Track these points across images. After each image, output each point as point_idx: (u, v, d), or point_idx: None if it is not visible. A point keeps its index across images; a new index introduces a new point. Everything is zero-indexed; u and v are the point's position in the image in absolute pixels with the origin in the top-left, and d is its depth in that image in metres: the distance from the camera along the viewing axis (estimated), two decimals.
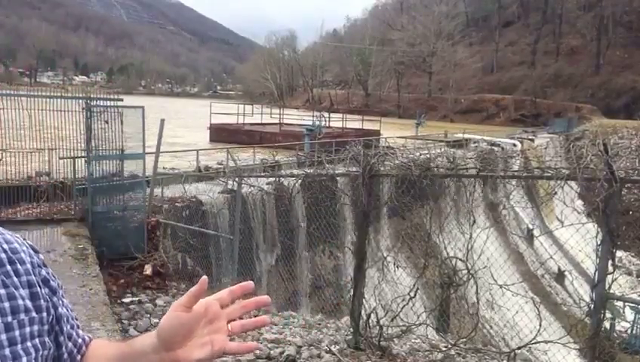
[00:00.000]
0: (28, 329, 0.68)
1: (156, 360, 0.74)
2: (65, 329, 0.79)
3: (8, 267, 0.70)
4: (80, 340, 0.84)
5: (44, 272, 0.76)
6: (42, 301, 0.72)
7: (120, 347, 0.83)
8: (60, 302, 0.79)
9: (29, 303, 0.70)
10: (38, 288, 0.72)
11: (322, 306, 10.70)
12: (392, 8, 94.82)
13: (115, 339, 4.62)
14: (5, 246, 0.71)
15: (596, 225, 3.81)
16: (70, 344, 0.80)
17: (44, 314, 0.72)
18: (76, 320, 0.84)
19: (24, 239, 0.78)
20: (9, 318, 0.66)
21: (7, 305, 0.67)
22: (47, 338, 0.72)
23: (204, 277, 0.76)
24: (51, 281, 0.77)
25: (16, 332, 0.66)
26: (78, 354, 0.83)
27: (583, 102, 56.35)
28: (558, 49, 68.71)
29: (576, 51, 67.17)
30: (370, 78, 79.86)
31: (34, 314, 0.70)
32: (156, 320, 5.63)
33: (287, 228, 11.31)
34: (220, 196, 10.34)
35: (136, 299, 6.39)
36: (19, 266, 0.71)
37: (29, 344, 0.67)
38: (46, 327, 0.72)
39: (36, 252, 0.77)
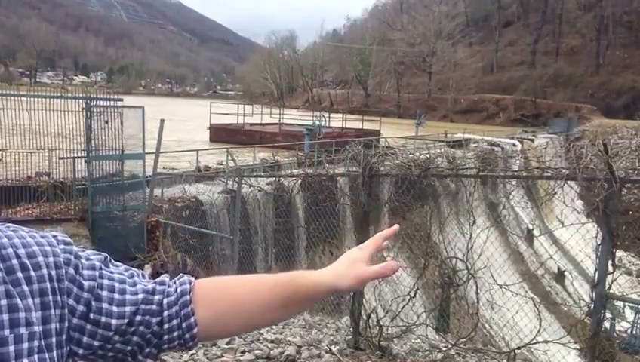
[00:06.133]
0: (26, 345, 0.62)
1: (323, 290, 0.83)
2: (115, 298, 0.73)
3: (19, 274, 0.64)
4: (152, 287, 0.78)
5: (71, 271, 0.70)
6: (54, 310, 0.67)
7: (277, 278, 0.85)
8: (98, 283, 0.73)
9: (34, 315, 0.64)
10: (52, 296, 0.67)
11: (322, 306, 10.69)
12: (392, 8, 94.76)
13: None
14: (22, 251, 0.66)
15: (596, 225, 3.81)
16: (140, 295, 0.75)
17: (54, 325, 0.66)
18: (140, 277, 0.79)
19: (55, 235, 0.73)
20: (6, 332, 0.61)
21: (5, 317, 0.62)
22: (48, 355, 0.65)
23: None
24: (85, 270, 0.72)
25: (11, 348, 0.61)
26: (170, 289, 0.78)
27: (582, 102, 56.33)
28: (558, 49, 68.68)
29: (576, 51, 67.14)
30: (370, 78, 79.83)
31: (36, 327, 0.64)
32: None
33: (287, 228, 11.31)
34: (219, 196, 10.34)
35: None
36: (32, 273, 0.66)
37: (25, 361, 0.61)
38: (54, 340, 0.66)
39: (67, 244, 0.73)
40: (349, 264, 0.83)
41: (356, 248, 0.87)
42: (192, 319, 0.77)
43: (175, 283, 0.80)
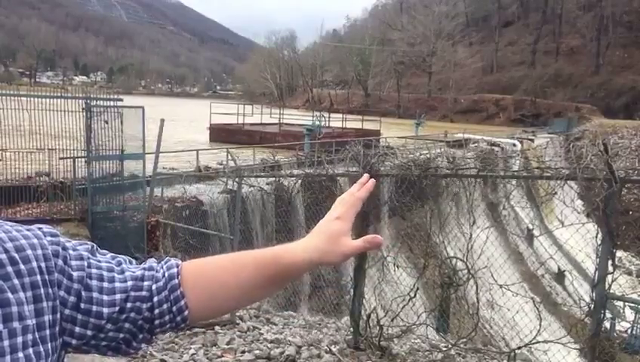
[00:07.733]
0: (20, 339, 0.62)
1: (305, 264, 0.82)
2: (104, 286, 0.73)
3: (9, 268, 0.64)
4: (139, 272, 0.78)
5: (60, 262, 0.70)
6: (46, 302, 0.67)
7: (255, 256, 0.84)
8: (87, 273, 0.73)
9: (26, 308, 0.64)
10: (43, 289, 0.67)
11: (322, 306, 10.69)
12: (392, 8, 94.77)
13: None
14: (9, 244, 0.66)
15: (596, 225, 3.81)
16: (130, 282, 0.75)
17: (47, 318, 0.67)
18: (129, 263, 0.79)
19: (40, 228, 0.72)
20: None
21: None
22: (43, 347, 0.65)
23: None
24: (73, 261, 0.72)
25: (5, 343, 0.61)
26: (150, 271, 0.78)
27: (582, 102, 56.31)
28: (557, 49, 68.69)
29: (576, 51, 67.16)
30: (370, 78, 79.85)
31: (29, 321, 0.64)
32: None
33: (287, 228, 11.30)
34: (219, 196, 10.34)
35: None
36: (22, 266, 0.65)
37: (20, 354, 0.61)
38: (47, 332, 0.67)
39: (54, 236, 0.72)
40: (332, 239, 0.81)
41: (334, 217, 0.83)
42: (182, 302, 0.78)
43: (162, 267, 0.80)
